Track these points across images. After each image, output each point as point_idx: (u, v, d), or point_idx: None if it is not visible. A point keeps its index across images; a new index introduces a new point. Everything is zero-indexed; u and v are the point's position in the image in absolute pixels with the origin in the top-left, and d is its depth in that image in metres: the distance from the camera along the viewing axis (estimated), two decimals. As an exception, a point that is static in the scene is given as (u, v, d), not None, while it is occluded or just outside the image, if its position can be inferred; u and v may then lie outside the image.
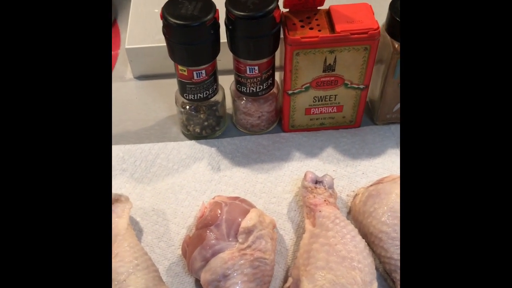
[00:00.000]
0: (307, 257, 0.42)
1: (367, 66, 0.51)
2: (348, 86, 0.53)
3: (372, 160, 0.55)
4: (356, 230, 0.44)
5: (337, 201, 0.50)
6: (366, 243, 0.43)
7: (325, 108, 0.55)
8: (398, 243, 0.43)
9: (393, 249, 0.43)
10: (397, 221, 0.43)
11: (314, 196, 0.47)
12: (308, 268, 0.41)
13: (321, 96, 0.54)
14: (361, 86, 0.53)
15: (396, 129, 0.58)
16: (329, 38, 0.48)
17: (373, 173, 0.53)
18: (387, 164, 0.54)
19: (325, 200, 0.47)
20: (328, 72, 0.51)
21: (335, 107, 0.55)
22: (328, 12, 0.50)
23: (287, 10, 0.50)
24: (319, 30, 0.48)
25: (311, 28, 0.49)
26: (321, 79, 0.52)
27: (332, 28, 0.48)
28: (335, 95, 0.54)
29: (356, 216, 0.48)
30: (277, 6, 0.47)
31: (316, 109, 0.55)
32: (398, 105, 0.56)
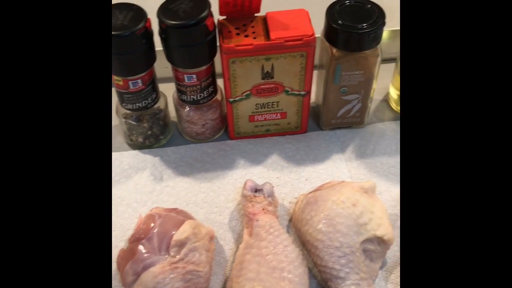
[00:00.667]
0: (239, 269, 0.41)
1: (305, 72, 0.50)
2: (289, 92, 0.52)
3: (316, 166, 0.55)
4: (290, 239, 0.43)
5: (278, 209, 0.49)
6: (299, 253, 0.43)
7: (269, 115, 0.55)
8: (333, 251, 0.42)
9: (328, 257, 0.42)
10: (332, 229, 0.43)
11: (253, 205, 0.47)
12: (239, 280, 0.40)
13: (263, 103, 0.53)
14: (302, 93, 0.53)
15: (341, 134, 0.58)
16: (263, 46, 0.47)
17: (317, 179, 0.53)
18: (331, 170, 0.54)
19: (263, 209, 0.46)
20: (267, 79, 0.51)
21: (278, 114, 0.55)
22: (264, 19, 0.50)
23: (224, 17, 0.50)
24: (254, 38, 0.48)
25: (246, 36, 0.48)
26: (261, 86, 0.51)
27: (267, 35, 0.48)
28: (277, 102, 0.53)
29: (295, 223, 0.47)
30: (210, 14, 0.46)
31: (260, 116, 0.55)
32: (342, 110, 0.56)
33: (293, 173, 0.54)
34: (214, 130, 0.57)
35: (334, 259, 0.42)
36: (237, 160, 0.55)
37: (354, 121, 0.57)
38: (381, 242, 0.45)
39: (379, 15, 0.48)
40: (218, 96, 0.55)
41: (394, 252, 0.47)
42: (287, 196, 0.52)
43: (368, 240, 0.44)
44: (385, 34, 0.64)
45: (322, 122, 0.58)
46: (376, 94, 0.63)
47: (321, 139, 0.57)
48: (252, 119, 0.55)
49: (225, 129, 0.58)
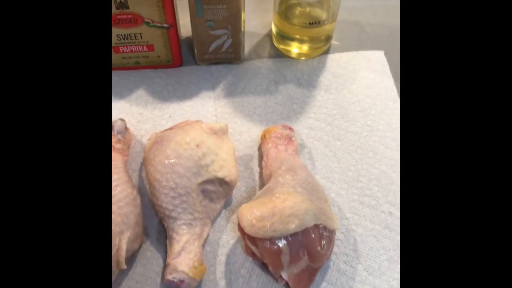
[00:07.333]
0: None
1: (163, 3, 0.47)
2: (150, 24, 0.50)
3: (183, 103, 0.53)
4: (124, 179, 0.43)
5: (136, 146, 0.49)
6: (131, 192, 0.42)
7: (134, 47, 0.52)
8: (167, 191, 0.42)
9: (163, 197, 0.42)
10: (170, 170, 0.43)
11: (99, 142, 0.46)
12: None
13: (124, 35, 0.50)
14: (165, 25, 0.50)
15: (216, 70, 0.56)
16: (109, -28, 0.44)
17: (180, 116, 0.52)
18: (197, 108, 0.53)
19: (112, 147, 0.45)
20: (122, 9, 0.47)
21: (145, 46, 0.52)
22: None
23: None
24: (101, -38, 0.44)
25: (92, -40, 0.44)
26: (117, 16, 0.48)
27: (115, -40, 0.44)
28: (140, 34, 0.51)
29: (144, 162, 0.47)
30: None
31: (125, 47, 0.52)
32: (213, 45, 0.53)
33: (157, 109, 0.52)
34: (80, 61, 0.54)
35: (168, 199, 0.42)
36: (100, 93, 0.53)
37: (229, 56, 0.55)
38: (223, 183, 0.45)
39: None
40: (81, 24, 0.52)
41: (240, 193, 0.47)
42: (147, 133, 0.51)
43: (209, 181, 0.44)
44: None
45: (196, 57, 0.55)
46: (260, 28, 0.61)
47: (194, 74, 0.55)
48: (117, 50, 0.52)
49: (96, 59, 0.55)
